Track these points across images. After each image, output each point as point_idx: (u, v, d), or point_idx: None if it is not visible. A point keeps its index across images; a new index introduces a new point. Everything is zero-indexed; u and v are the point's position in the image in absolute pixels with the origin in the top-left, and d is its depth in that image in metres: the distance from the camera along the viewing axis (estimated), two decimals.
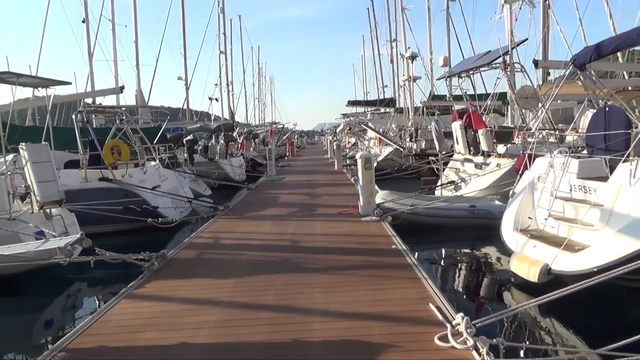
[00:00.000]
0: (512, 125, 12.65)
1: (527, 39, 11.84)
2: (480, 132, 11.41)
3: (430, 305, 4.23)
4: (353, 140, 44.25)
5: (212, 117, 29.79)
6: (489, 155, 11.83)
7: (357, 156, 9.20)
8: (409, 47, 24.80)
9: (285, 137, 46.40)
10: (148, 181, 11.98)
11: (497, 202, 10.50)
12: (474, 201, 10.40)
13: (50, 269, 6.62)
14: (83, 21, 21.41)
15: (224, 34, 38.31)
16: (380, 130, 24.83)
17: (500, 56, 10.80)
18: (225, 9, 37.12)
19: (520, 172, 10.16)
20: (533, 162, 7.95)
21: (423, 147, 18.49)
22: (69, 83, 8.77)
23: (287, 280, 5.26)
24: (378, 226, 8.12)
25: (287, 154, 37.32)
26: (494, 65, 11.34)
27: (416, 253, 8.29)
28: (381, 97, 44.98)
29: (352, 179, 15.96)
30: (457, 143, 12.87)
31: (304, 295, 4.74)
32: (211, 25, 36.49)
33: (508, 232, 7.07)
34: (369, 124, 26.94)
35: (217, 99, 27.48)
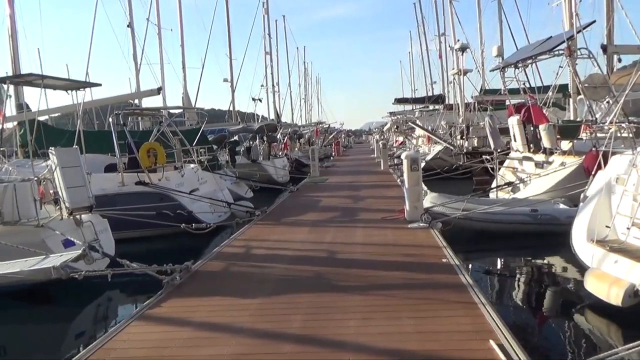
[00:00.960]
0: (577, 119, 11.31)
1: (594, 21, 10.51)
2: (541, 127, 10.24)
3: (491, 342, 3.40)
4: (401, 139, 43.04)
5: (258, 118, 29.59)
6: (552, 153, 10.62)
7: (403, 156, 8.37)
8: (458, 40, 23.45)
9: (331, 136, 45.78)
10: (186, 184, 11.66)
11: (562, 206, 9.35)
12: (536, 205, 9.29)
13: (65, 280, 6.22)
14: (128, 26, 21.83)
15: (269, 34, 38.27)
16: (429, 127, 23.64)
17: (563, 41, 9.59)
18: (269, 10, 37.09)
19: (592, 172, 8.97)
20: (608, 160, 6.86)
21: (475, 145, 17.25)
22: (99, 85, 8.54)
23: (317, 302, 4.56)
24: (426, 234, 7.26)
25: (333, 153, 36.67)
26: (556, 52, 10.12)
27: (469, 265, 7.40)
28: (429, 94, 43.62)
29: (398, 180, 15.05)
30: (515, 140, 11.69)
31: (335, 322, 4.02)
32: (256, 27, 36.44)
33: (581, 243, 6.04)
34: (417, 121, 25.76)
35: (260, 100, 27.22)
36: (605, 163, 6.84)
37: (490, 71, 12.88)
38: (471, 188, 15.76)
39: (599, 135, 10.12)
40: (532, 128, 11.07)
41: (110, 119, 11.03)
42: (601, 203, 6.27)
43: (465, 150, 17.21)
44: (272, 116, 36.83)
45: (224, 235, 9.76)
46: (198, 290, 5.22)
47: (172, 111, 23.66)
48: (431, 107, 38.56)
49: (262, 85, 37.11)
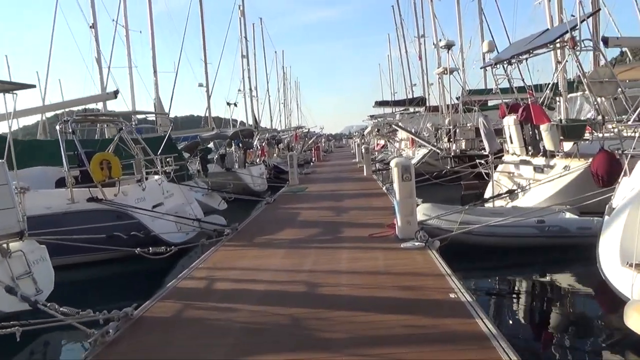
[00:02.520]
0: (582, 118, 10.38)
1: (599, 10, 9.57)
2: (543, 127, 9.24)
3: None
4: (382, 142, 42.18)
5: (236, 124, 28.26)
6: (553, 156, 9.65)
7: (392, 164, 7.23)
8: (441, 39, 22.56)
9: (311, 141, 44.62)
10: (148, 199, 10.33)
11: (570, 215, 8.35)
12: (542, 215, 8.27)
13: None
14: (91, 27, 20.32)
15: (245, 37, 37.01)
16: (412, 130, 22.65)
17: (566, 32, 8.62)
18: (245, 12, 35.83)
19: (606, 177, 8.00)
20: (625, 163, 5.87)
21: (463, 147, 16.28)
22: (33, 86, 7.18)
23: None
24: (424, 257, 6.11)
25: (313, 159, 35.51)
26: (558, 45, 9.17)
27: (472, 286, 6.29)
28: (410, 96, 43.11)
29: (383, 187, 13.94)
30: (511, 142, 10.71)
31: None
32: (232, 30, 35.16)
33: (614, 268, 4.95)
34: (399, 124, 24.77)
35: (235, 104, 25.90)
36: (631, 168, 5.82)
37: (480, 68, 11.94)
38: (460, 194, 14.80)
39: (606, 135, 9.20)
40: (530, 129, 10.09)
41: (58, 127, 9.63)
42: (634, 216, 5.22)
43: (452, 154, 16.21)
44: (250, 121, 35.63)
45: (189, 257, 8.49)
46: (137, 347, 3.96)
47: (140, 116, 22.29)
48: (412, 110, 38.00)
49: (239, 90, 35.89)
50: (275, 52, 59.97)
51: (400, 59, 46.65)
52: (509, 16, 38.80)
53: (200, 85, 31.18)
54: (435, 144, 18.24)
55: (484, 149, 17.16)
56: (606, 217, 5.67)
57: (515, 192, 8.84)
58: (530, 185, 10.06)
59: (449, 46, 16.15)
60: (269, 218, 10.33)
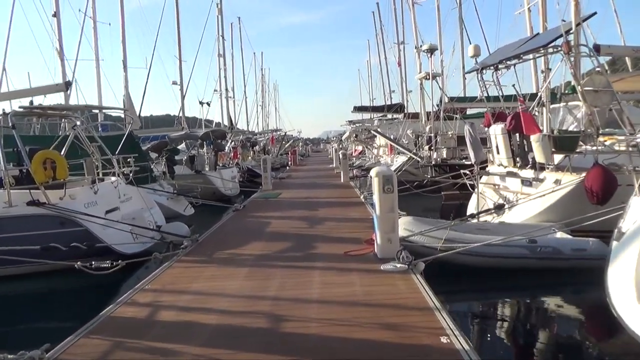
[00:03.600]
0: (575, 130, 9.78)
1: (595, 13, 9.01)
2: (534, 138, 8.58)
3: None
4: (360, 148, 41.60)
5: (206, 125, 27.10)
6: (543, 169, 9.00)
7: (373, 173, 6.40)
8: (421, 44, 22.01)
9: (287, 144, 43.68)
10: (100, 203, 9.26)
11: (562, 235, 7.67)
12: (533, 233, 7.59)
13: None
14: (54, 15, 18.98)
15: (222, 36, 35.97)
16: (392, 137, 21.99)
17: (560, 35, 7.99)
18: (223, 10, 34.77)
19: (599, 193, 7.36)
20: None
21: (444, 156, 15.64)
22: None
23: None
24: (406, 282, 5.28)
25: (289, 163, 34.59)
26: (550, 50, 8.54)
27: (458, 309, 5.51)
28: (388, 102, 42.82)
29: (361, 196, 13.14)
30: (497, 152, 10.04)
31: None
32: (209, 29, 34.17)
33: (628, 304, 4.22)
34: (378, 129, 24.10)
35: (208, 104, 24.81)
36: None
37: (465, 73, 11.30)
38: (439, 204, 14.13)
39: (599, 149, 8.60)
40: (518, 139, 9.44)
41: None
42: None
43: (433, 162, 15.55)
44: (226, 122, 34.55)
45: (146, 269, 7.44)
46: None
47: (111, 112, 20.96)
48: (390, 116, 37.66)
49: (215, 90, 34.83)
50: (254, 53, 59.05)
51: (380, 65, 46.52)
52: (489, 26, 38.84)
53: (174, 83, 30.02)
54: (415, 151, 17.58)
55: (465, 158, 16.67)
56: (615, 243, 4.93)
57: (503, 206, 8.14)
58: (518, 199, 9.41)
59: (431, 50, 15.53)
60: (235, 228, 9.36)
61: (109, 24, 26.62)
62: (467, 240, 7.31)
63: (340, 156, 19.33)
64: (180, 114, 29.14)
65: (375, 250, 6.51)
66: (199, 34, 30.77)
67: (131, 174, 11.34)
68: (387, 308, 4.48)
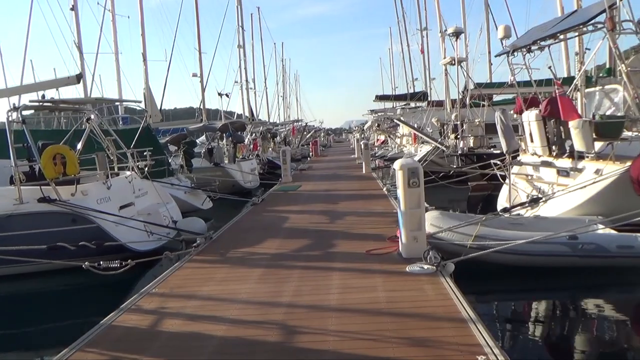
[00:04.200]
0: (619, 114, 8.98)
1: None
2: (573, 124, 7.86)
3: None
4: (382, 137, 40.82)
5: (226, 116, 26.80)
6: (582, 157, 8.28)
7: (396, 165, 5.85)
8: (445, 28, 21.11)
9: (309, 135, 43.20)
10: (114, 199, 8.99)
11: (606, 231, 6.99)
12: (574, 228, 6.95)
13: None
14: (72, 9, 18.88)
15: (242, 27, 35.60)
16: (415, 125, 21.25)
17: (603, 11, 7.24)
18: (242, 1, 34.37)
19: None
20: None
21: (471, 145, 14.90)
22: None
23: None
24: (435, 288, 4.75)
25: (311, 154, 34.14)
26: (591, 26, 7.78)
27: (496, 323, 4.95)
28: (411, 91, 41.91)
29: (384, 188, 12.59)
30: (531, 140, 9.34)
31: None
32: (228, 21, 33.86)
33: None
34: (401, 118, 23.38)
35: (227, 95, 24.45)
36: None
37: (495, 56, 10.57)
38: (466, 195, 13.46)
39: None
40: (555, 125, 8.73)
41: (6, 116, 8.24)
42: None
43: (460, 152, 14.84)
44: (247, 114, 34.31)
45: (161, 267, 7.09)
46: None
47: (133, 105, 20.85)
48: (413, 105, 36.82)
49: (236, 82, 34.61)
50: (275, 43, 58.70)
51: (402, 53, 45.52)
52: (517, 10, 37.44)
53: (195, 75, 29.86)
54: (440, 140, 16.86)
55: (493, 146, 15.89)
56: None
57: (540, 200, 7.49)
58: (554, 191, 8.73)
59: (457, 34, 14.72)
60: (252, 224, 8.96)
61: (128, 17, 26.62)
62: (500, 237, 6.73)
63: (362, 146, 18.75)
64: (201, 106, 29.20)
65: (400, 249, 6.00)
66: (218, 26, 30.46)
67: (146, 168, 11.08)
68: (413, 319, 3.98)
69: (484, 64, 23.37)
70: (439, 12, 21.70)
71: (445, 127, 16.50)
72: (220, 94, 23.33)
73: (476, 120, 15.54)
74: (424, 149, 19.21)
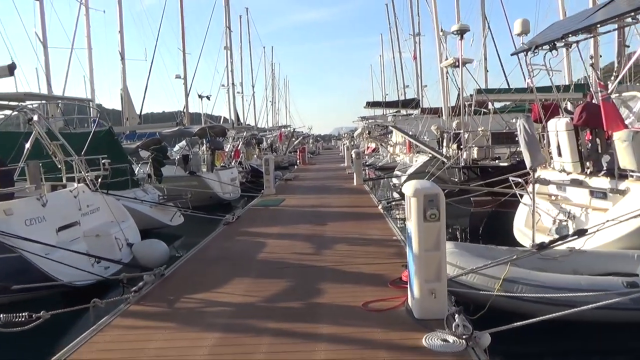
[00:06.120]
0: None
1: None
2: (619, 136, 6.33)
3: None
4: (373, 145, 39.42)
5: (209, 121, 25.07)
6: (624, 177, 6.76)
7: (407, 190, 4.22)
8: (442, 29, 19.69)
9: (297, 142, 41.54)
10: (51, 218, 7.27)
11: None
12: (628, 269, 5.44)
13: None
14: None
15: (229, 27, 34.11)
16: (410, 132, 19.72)
17: None
18: (230, 3, 32.87)
19: None
20: None
21: (475, 156, 13.39)
22: None
23: None
24: None
25: (298, 161, 32.50)
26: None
27: None
28: (402, 98, 40.91)
29: (379, 206, 10.97)
30: (559, 154, 7.81)
31: None
32: (216, 20, 32.45)
33: None
34: (396, 125, 21.85)
35: (208, 97, 22.78)
36: None
37: (511, 55, 9.10)
38: (468, 211, 11.93)
39: None
40: (592, 137, 7.21)
41: None
42: None
43: (462, 164, 13.32)
44: (233, 118, 32.72)
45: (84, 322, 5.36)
46: None
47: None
48: (403, 112, 35.73)
49: (222, 85, 33.07)
50: (264, 47, 57.20)
51: (393, 59, 44.57)
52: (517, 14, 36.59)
53: (178, 77, 28.16)
54: (439, 150, 15.35)
55: (498, 158, 14.43)
56: None
57: (587, 231, 5.91)
58: (588, 215, 7.21)
59: (462, 32, 13.25)
60: (219, 252, 7.24)
61: (104, 12, 24.89)
62: (536, 281, 5.18)
63: (353, 155, 17.16)
64: (184, 110, 27.42)
65: (410, 303, 4.37)
66: (204, 26, 28.96)
67: (100, 179, 9.36)
68: None
69: (480, 71, 22.07)
70: (436, 13, 20.30)
71: (446, 136, 14.98)
72: (200, 96, 21.69)
73: (479, 129, 14.06)
74: (420, 159, 17.69)
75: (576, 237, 5.43)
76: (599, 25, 6.82)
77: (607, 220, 5.71)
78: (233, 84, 33.75)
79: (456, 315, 3.82)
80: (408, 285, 4.47)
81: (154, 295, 5.29)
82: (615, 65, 7.54)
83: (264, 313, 4.57)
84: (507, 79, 18.29)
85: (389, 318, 4.28)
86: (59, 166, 9.10)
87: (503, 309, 5.04)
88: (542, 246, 5.36)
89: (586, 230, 5.44)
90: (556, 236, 7.51)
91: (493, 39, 22.87)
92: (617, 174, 6.82)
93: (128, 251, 8.52)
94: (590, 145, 7.24)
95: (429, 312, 4.09)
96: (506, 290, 5.05)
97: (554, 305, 4.90)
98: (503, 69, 21.96)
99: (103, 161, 9.83)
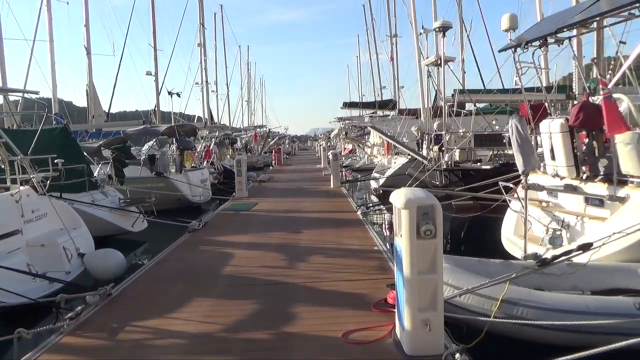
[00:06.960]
0: None
1: None
2: (622, 138, 5.79)
3: None
4: (350, 146, 38.86)
5: (180, 119, 23.98)
6: (623, 183, 6.24)
7: (396, 200, 3.52)
8: (422, 27, 19.21)
9: (272, 142, 40.60)
10: None
11: None
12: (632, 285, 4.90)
13: None
14: None
15: (203, 24, 33.05)
16: (388, 133, 19.16)
17: None
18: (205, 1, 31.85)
19: None
20: None
21: (457, 159, 12.86)
22: None
23: None
24: None
25: (273, 162, 31.65)
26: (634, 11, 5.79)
27: None
28: (379, 99, 40.69)
29: (358, 211, 10.28)
30: (552, 158, 7.26)
31: None
32: (189, 17, 31.47)
33: None
34: (375, 126, 21.26)
35: (178, 94, 21.74)
36: None
37: (499, 51, 8.58)
38: (449, 216, 11.39)
39: None
40: (586, 139, 6.67)
41: None
42: None
43: (444, 167, 12.77)
44: (207, 117, 31.70)
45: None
46: None
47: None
48: (380, 113, 35.48)
49: (196, 83, 32.02)
50: (240, 46, 56.19)
51: (370, 60, 44.35)
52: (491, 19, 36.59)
53: (149, 74, 26.96)
54: (419, 152, 14.79)
55: (479, 160, 13.95)
56: None
57: (592, 246, 5.33)
58: (583, 223, 6.68)
59: (444, 29, 12.68)
60: (179, 267, 6.40)
61: (67, 3, 23.51)
62: (535, 302, 4.58)
63: (330, 156, 16.45)
64: (155, 109, 26.23)
65: (398, 334, 3.67)
66: (176, 22, 27.88)
67: (49, 181, 8.40)
68: None
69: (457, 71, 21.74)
70: (414, 11, 19.81)
71: (426, 137, 14.41)
72: (170, 93, 20.63)
73: (460, 131, 13.55)
74: (399, 160, 17.13)
75: (581, 252, 4.83)
76: (598, 18, 6.25)
77: (614, 233, 5.13)
78: (207, 81, 32.73)
79: (457, 355, 3.12)
80: (396, 311, 3.77)
81: (94, 322, 4.44)
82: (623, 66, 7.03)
83: (223, 347, 3.79)
84: (482, 81, 17.91)
85: (374, 353, 3.56)
86: (1, 166, 8.14)
87: (503, 334, 4.43)
88: (544, 262, 4.73)
89: (591, 244, 4.84)
90: (549, 246, 6.97)
91: (470, 41, 22.66)
92: (615, 179, 6.29)
93: (79, 262, 7.64)
94: (586, 148, 6.70)
95: (423, 347, 3.39)
96: (505, 313, 4.44)
97: (553, 330, 4.33)
98: (479, 70, 21.78)
99: (55, 161, 8.91)
